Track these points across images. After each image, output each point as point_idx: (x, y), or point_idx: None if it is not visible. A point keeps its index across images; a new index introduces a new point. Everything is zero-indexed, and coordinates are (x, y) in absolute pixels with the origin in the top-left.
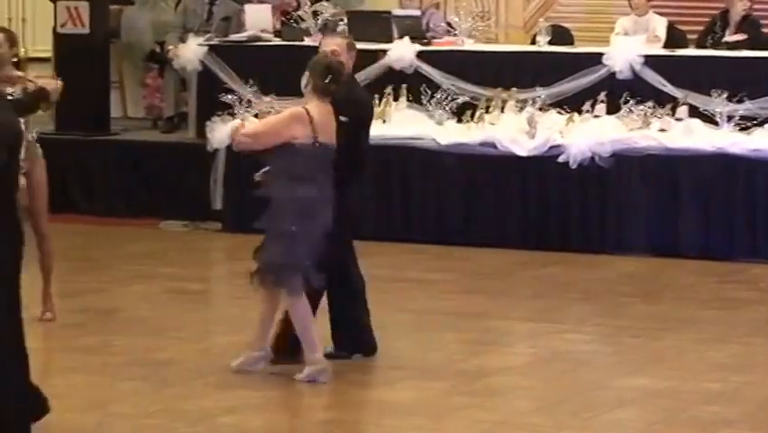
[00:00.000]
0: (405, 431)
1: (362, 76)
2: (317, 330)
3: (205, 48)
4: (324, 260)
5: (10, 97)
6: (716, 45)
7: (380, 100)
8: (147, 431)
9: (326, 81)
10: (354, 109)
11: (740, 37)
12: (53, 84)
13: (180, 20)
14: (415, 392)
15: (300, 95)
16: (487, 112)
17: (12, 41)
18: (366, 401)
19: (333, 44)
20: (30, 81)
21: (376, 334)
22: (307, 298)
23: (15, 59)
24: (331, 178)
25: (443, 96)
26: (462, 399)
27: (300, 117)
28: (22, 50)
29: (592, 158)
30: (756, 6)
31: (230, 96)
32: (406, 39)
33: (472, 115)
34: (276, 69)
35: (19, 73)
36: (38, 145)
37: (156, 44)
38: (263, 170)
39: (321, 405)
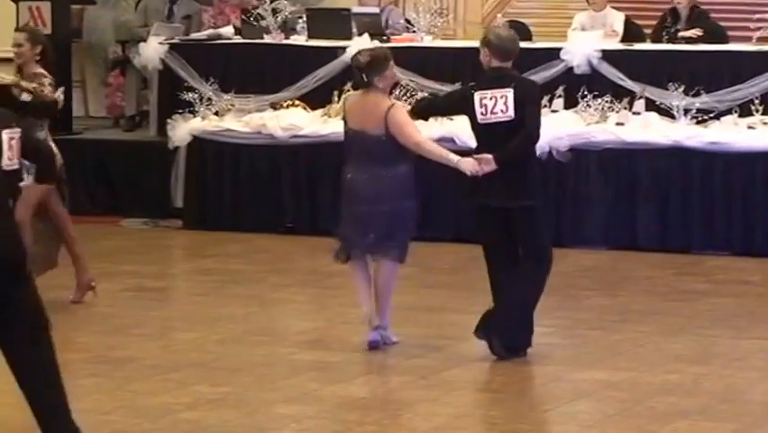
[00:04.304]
0: (363, 426)
1: (322, 73)
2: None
3: (166, 46)
4: None
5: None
6: (672, 39)
7: (339, 97)
8: (108, 428)
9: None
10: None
11: (697, 32)
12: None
13: (141, 18)
14: (373, 387)
15: (260, 92)
16: None
17: (33, 39)
18: (325, 396)
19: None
20: (45, 77)
21: (337, 329)
22: None
23: (38, 58)
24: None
25: (403, 92)
26: (420, 393)
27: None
28: None
29: (550, 152)
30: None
31: (190, 95)
32: (366, 36)
33: None
34: (236, 67)
35: (40, 70)
36: None
37: (118, 44)
38: None
39: (280, 400)
